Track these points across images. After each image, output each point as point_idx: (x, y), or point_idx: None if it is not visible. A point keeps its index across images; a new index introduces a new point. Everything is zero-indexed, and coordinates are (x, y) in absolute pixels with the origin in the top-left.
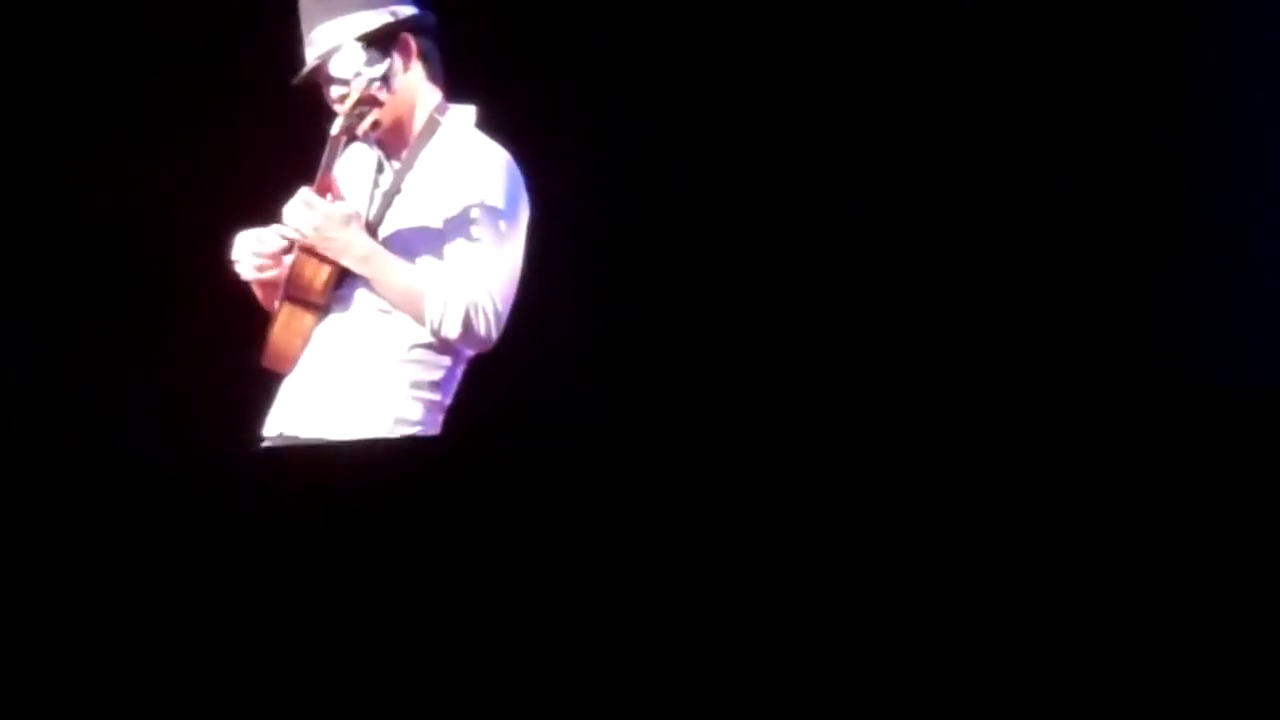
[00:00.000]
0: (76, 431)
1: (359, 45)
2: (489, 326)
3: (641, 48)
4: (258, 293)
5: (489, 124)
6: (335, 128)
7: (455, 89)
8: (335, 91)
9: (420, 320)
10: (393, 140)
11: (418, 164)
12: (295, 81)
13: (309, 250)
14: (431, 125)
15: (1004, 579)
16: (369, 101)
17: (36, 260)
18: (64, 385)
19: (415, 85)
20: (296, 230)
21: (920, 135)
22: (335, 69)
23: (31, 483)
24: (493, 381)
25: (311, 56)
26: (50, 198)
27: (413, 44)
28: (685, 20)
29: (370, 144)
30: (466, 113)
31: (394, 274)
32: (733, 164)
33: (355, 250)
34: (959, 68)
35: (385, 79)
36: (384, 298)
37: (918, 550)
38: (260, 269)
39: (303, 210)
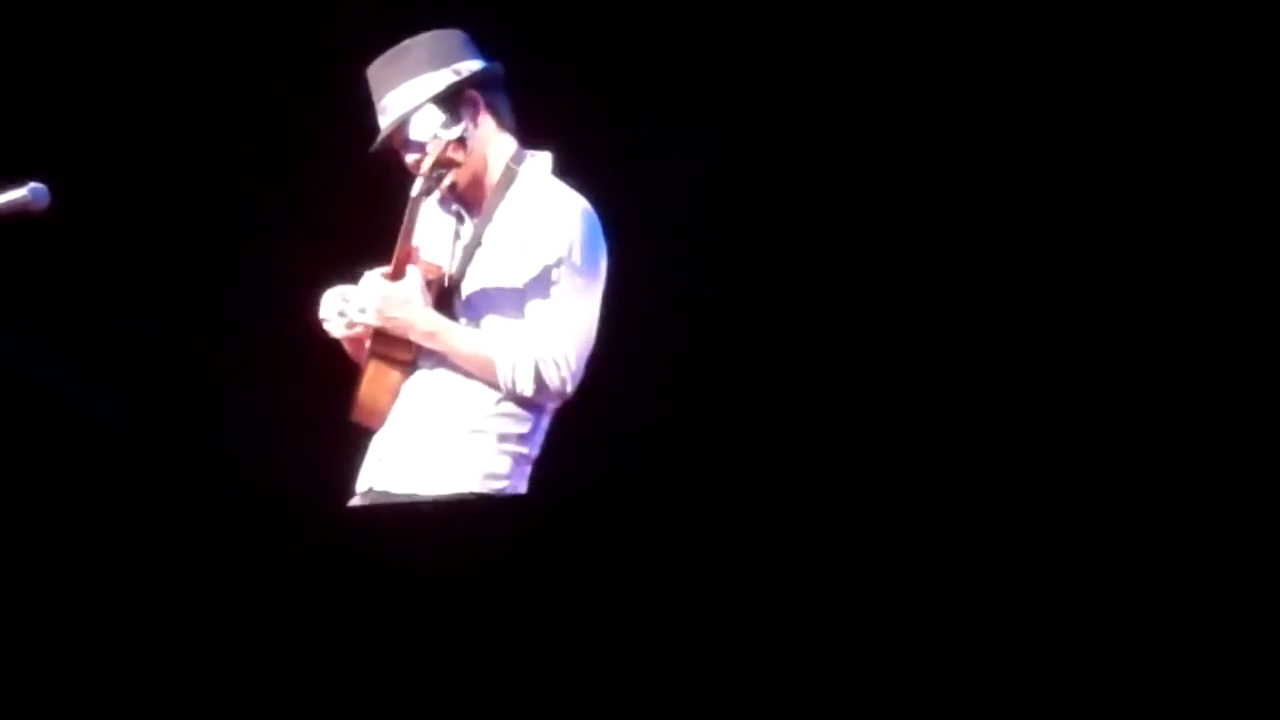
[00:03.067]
0: (171, 486)
1: (431, 109)
2: (562, 379)
3: (724, 86)
4: (347, 348)
5: (566, 169)
6: (414, 190)
7: (530, 135)
8: (412, 156)
9: (496, 384)
10: (471, 194)
11: (496, 216)
12: (373, 149)
13: None
14: (508, 175)
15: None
16: (445, 164)
17: (131, 317)
18: (160, 440)
19: (488, 138)
20: (363, 311)
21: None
22: (411, 135)
23: (127, 537)
24: (580, 432)
25: (385, 124)
26: (144, 252)
27: (480, 99)
28: (766, 59)
29: (450, 201)
30: (542, 160)
31: (461, 344)
32: (816, 204)
33: (419, 328)
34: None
35: (461, 140)
36: (458, 365)
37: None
38: (348, 325)
39: (365, 294)
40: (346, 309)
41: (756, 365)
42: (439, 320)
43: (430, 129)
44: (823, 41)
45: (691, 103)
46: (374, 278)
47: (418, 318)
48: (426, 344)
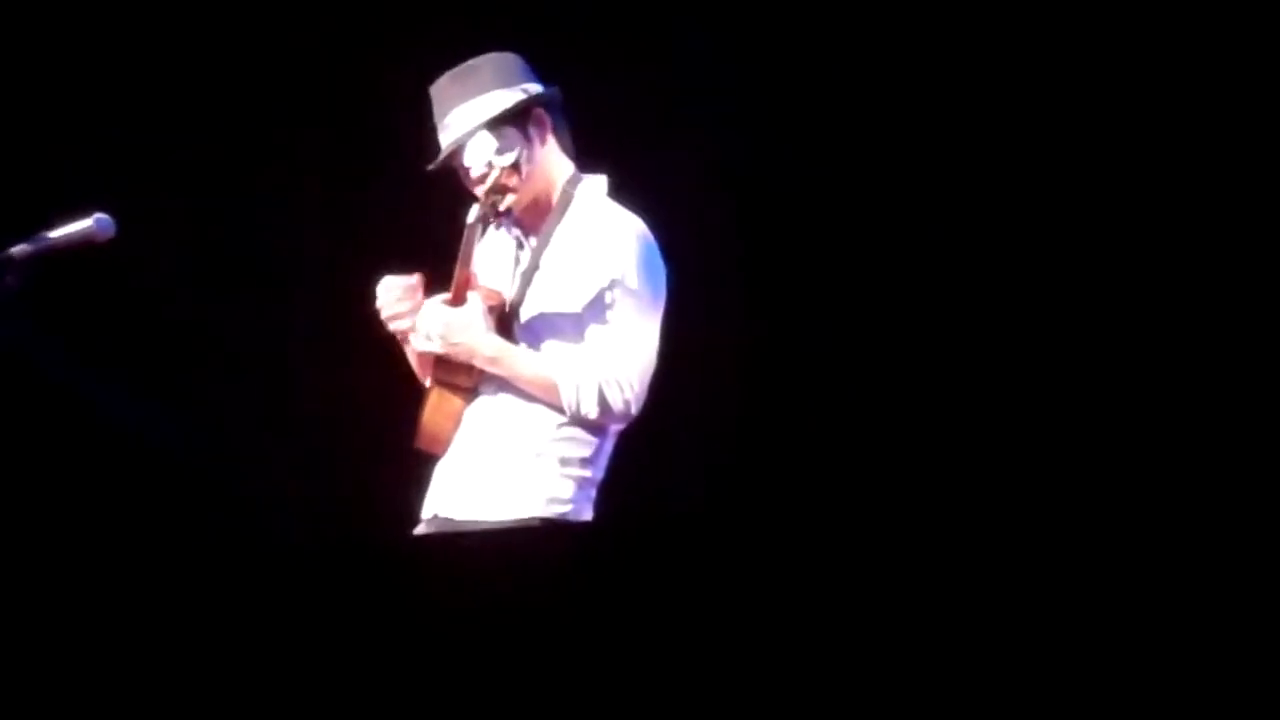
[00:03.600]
0: (236, 514)
1: (490, 134)
2: (626, 401)
3: (779, 105)
4: (412, 360)
5: (622, 191)
6: (472, 216)
7: (586, 158)
8: (471, 176)
9: (559, 407)
10: (529, 217)
11: (554, 239)
12: (432, 168)
13: None
14: (565, 199)
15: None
16: (503, 189)
17: (193, 347)
18: (224, 469)
19: (548, 161)
20: (426, 336)
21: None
22: (469, 159)
23: (194, 565)
24: (643, 455)
25: (446, 141)
26: (203, 278)
27: (546, 119)
28: (824, 77)
29: (509, 225)
30: (598, 183)
31: (524, 367)
32: (877, 226)
33: (481, 353)
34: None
35: (517, 165)
36: (521, 388)
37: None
38: (397, 317)
39: (426, 320)
40: (415, 336)
41: (819, 388)
42: (502, 345)
43: (488, 153)
44: (878, 67)
45: (746, 122)
46: (435, 305)
47: (480, 343)
48: (490, 369)
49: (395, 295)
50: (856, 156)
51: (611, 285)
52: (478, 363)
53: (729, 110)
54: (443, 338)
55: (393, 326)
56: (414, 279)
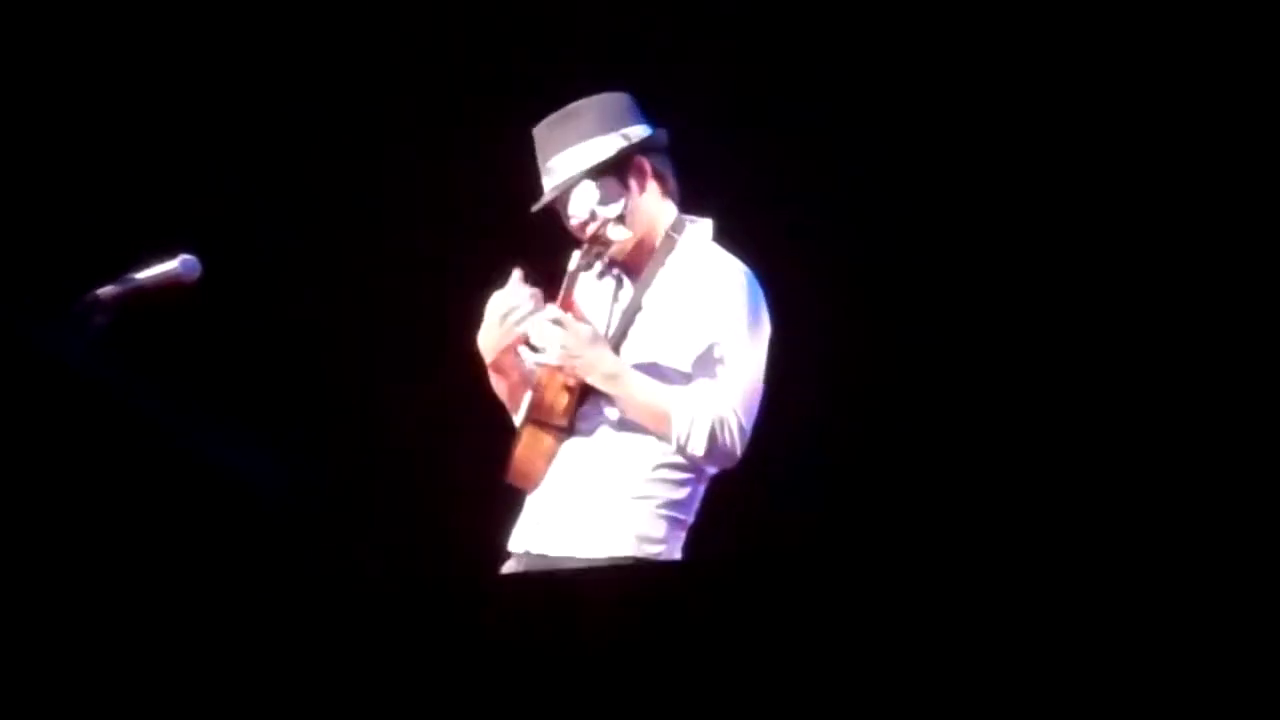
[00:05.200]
0: (331, 548)
1: (593, 184)
2: (734, 442)
3: (881, 150)
4: (501, 393)
5: (726, 237)
6: (573, 264)
7: (691, 202)
8: (571, 222)
9: (666, 437)
10: (631, 259)
11: (656, 282)
12: (534, 210)
13: (552, 373)
14: (669, 242)
15: None
16: (607, 241)
17: (292, 384)
18: (320, 502)
19: (651, 207)
20: (544, 348)
21: None
22: (573, 208)
23: (292, 603)
24: (736, 499)
25: (548, 186)
26: (295, 319)
27: (647, 166)
28: (928, 120)
29: (609, 267)
30: (703, 227)
31: (640, 391)
32: (983, 273)
33: (602, 368)
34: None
35: (622, 217)
36: (630, 415)
37: None
38: (506, 335)
39: (550, 329)
40: (524, 349)
41: (910, 430)
42: (622, 364)
43: (590, 204)
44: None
45: (849, 167)
46: (558, 312)
47: (602, 358)
48: (605, 387)
49: (519, 294)
50: (958, 197)
51: (721, 329)
52: (594, 378)
53: (845, 155)
54: (564, 348)
55: (509, 325)
56: (534, 290)
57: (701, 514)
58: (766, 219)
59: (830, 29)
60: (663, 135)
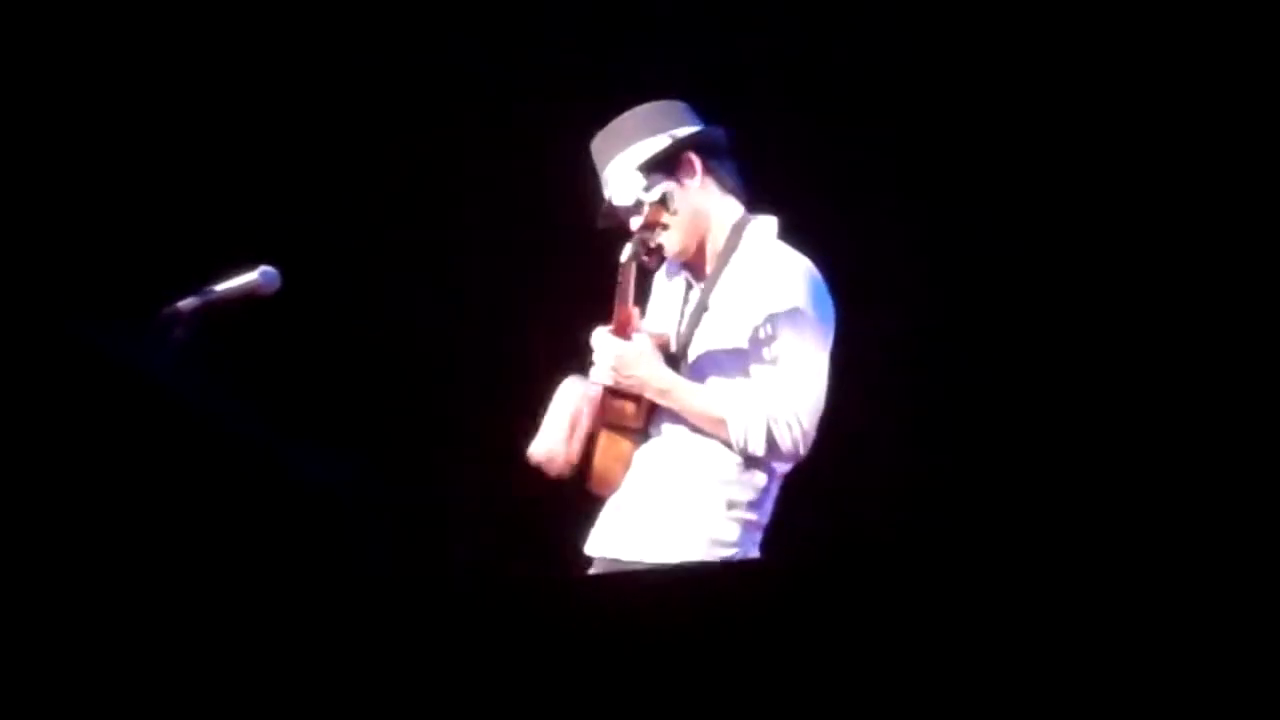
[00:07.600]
0: (407, 552)
1: (635, 173)
2: (794, 440)
3: (955, 144)
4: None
5: (793, 233)
6: (625, 254)
7: (758, 199)
8: (632, 223)
9: (727, 443)
10: (696, 260)
11: (722, 280)
12: (600, 223)
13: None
14: (733, 240)
15: None
16: (650, 226)
17: (372, 387)
18: (398, 507)
19: (707, 202)
20: (598, 365)
21: None
22: (616, 200)
23: (373, 607)
24: (810, 499)
25: (607, 195)
26: (366, 325)
27: (696, 161)
28: (1003, 116)
29: (675, 268)
30: (768, 224)
31: (694, 402)
32: (1057, 267)
33: (653, 385)
34: None
35: (663, 200)
36: (688, 433)
37: None
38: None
39: (597, 351)
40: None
41: (985, 428)
42: (673, 377)
43: (633, 192)
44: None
45: (916, 168)
46: (605, 335)
47: (652, 375)
48: (659, 401)
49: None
50: (1026, 200)
51: (779, 324)
52: (649, 394)
53: (914, 149)
54: (614, 369)
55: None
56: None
57: (777, 514)
58: (835, 215)
59: (896, 28)
60: (718, 133)
